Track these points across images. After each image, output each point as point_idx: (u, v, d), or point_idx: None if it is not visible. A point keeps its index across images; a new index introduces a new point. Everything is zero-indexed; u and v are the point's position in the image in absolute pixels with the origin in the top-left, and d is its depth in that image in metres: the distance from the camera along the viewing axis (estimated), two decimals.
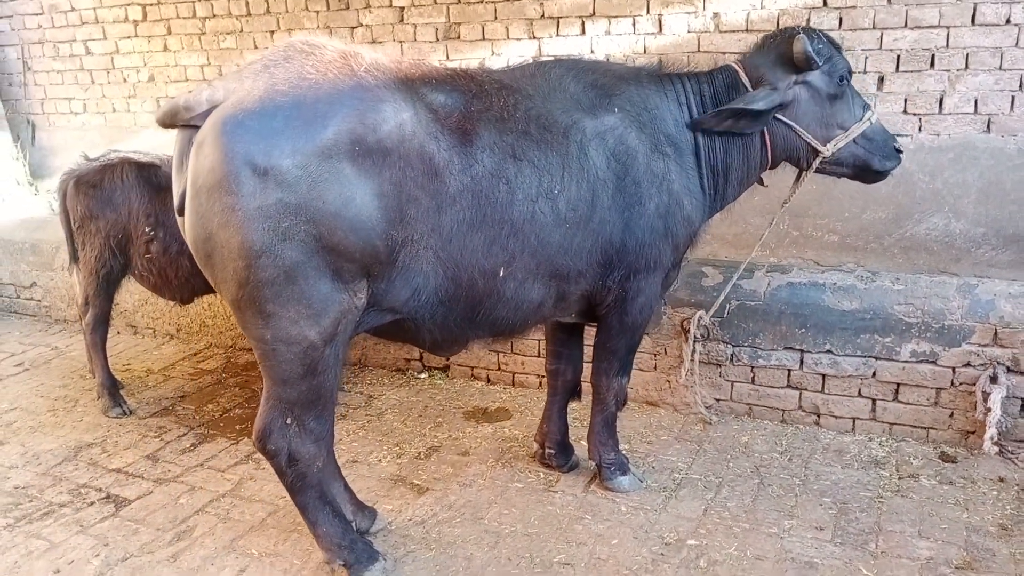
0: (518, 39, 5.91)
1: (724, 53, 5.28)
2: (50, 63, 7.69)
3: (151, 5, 6.99)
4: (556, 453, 4.31)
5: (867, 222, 5.15)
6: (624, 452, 4.33)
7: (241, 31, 6.81)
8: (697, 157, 3.80)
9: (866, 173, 3.98)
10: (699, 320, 4.59)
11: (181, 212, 3.07)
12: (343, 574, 3.52)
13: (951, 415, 4.38)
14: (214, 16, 6.83)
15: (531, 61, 4.01)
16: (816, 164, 3.87)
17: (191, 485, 4.36)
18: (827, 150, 3.80)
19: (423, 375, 5.66)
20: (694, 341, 4.66)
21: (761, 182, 4.13)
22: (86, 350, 5.45)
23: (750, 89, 3.74)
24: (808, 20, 5.05)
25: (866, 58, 4.95)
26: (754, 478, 4.22)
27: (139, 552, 3.82)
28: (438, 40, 6.18)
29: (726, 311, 4.69)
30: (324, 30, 6.50)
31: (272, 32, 6.70)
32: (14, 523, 4.08)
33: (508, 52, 5.94)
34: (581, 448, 4.41)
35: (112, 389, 5.27)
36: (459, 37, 6.10)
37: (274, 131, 2.86)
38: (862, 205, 5.15)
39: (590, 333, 4.18)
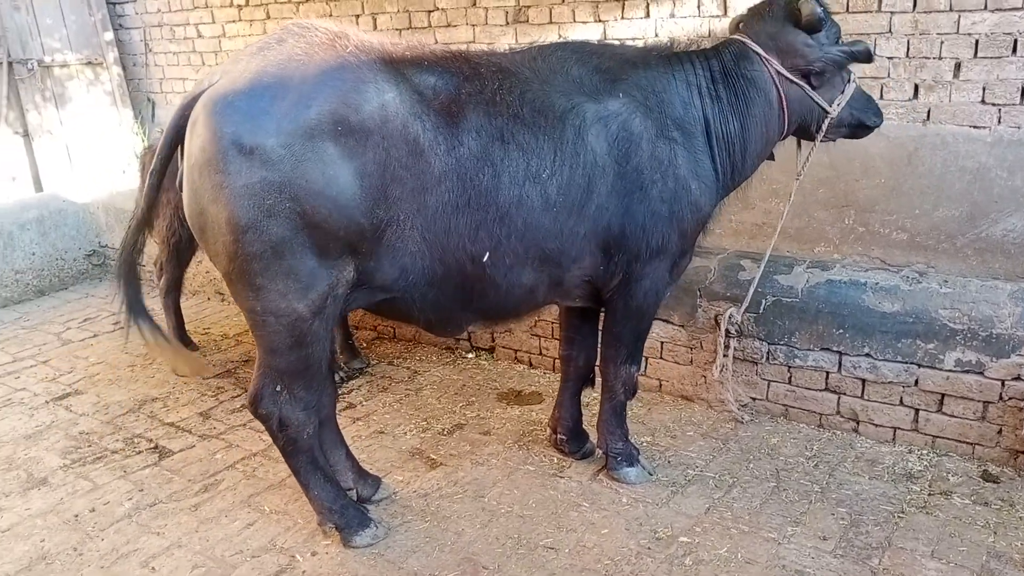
0: (584, 22, 5.86)
1: None
2: (167, 45, 8.27)
3: None
4: (568, 439, 4.30)
5: (939, 220, 4.81)
6: (641, 443, 4.27)
7: (330, 15, 7.09)
8: (708, 137, 3.71)
9: (861, 130, 4.07)
10: (730, 318, 4.45)
11: (181, 187, 3.26)
12: (335, 536, 3.67)
13: (999, 432, 4.05)
14: (307, 1, 7.14)
15: (539, 43, 3.97)
16: (825, 127, 3.85)
17: (229, 443, 4.64)
18: (833, 111, 3.80)
19: (470, 355, 5.76)
20: (726, 336, 4.52)
21: (772, 156, 4.09)
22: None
23: (765, 57, 3.69)
24: (880, 1, 4.75)
25: (941, 43, 4.61)
26: (771, 481, 4.06)
27: (167, 499, 4.12)
28: (508, 23, 6.21)
29: (762, 307, 4.51)
30: (403, 14, 6.67)
31: (357, 16, 6.94)
32: (69, 464, 4.49)
33: (574, 35, 5.90)
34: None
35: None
36: (528, 20, 6.11)
37: (260, 111, 2.98)
38: (934, 201, 4.81)
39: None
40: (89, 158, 8.35)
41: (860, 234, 5.16)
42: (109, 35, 8.66)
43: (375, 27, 6.85)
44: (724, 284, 4.64)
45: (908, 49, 4.75)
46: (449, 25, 6.48)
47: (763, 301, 4.49)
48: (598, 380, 4.22)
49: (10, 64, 7.95)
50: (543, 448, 4.45)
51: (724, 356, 4.56)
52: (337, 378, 5.40)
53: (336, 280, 3.24)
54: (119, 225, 8.02)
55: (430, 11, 6.54)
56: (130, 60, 8.71)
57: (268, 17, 7.43)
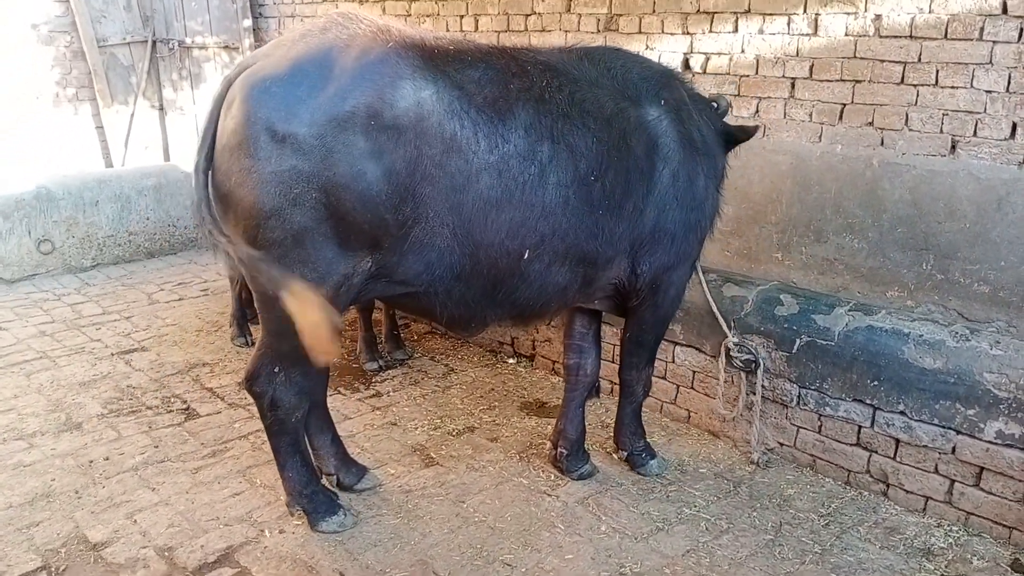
0: (672, 33, 5.66)
1: (882, 61, 4.67)
2: None
3: None
4: (568, 455, 4.16)
5: None
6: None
7: (438, 14, 7.22)
8: (715, 161, 3.79)
9: None
10: (727, 350, 4.21)
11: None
12: (303, 519, 3.70)
13: None
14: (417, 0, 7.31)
15: (579, 45, 3.88)
16: None
17: (252, 413, 4.77)
18: None
19: (511, 360, 5.68)
20: (726, 366, 4.33)
21: None
22: None
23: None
24: (982, 28, 4.30)
25: None
26: (769, 533, 3.74)
27: (175, 459, 4.31)
28: (599, 31, 6.09)
29: (795, 347, 4.17)
30: (502, 16, 6.69)
31: (461, 17, 7.03)
32: (106, 414, 4.78)
33: (661, 47, 5.72)
34: (598, 459, 4.20)
35: (241, 320, 5.91)
36: (618, 29, 5.97)
37: (296, 99, 2.98)
38: (1022, 254, 4.30)
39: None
40: None
41: (938, 282, 4.69)
42: (248, 22, 9.20)
43: (476, 28, 6.90)
44: (759, 318, 4.32)
45: (1009, 83, 4.28)
46: (544, 30, 6.45)
47: (797, 341, 4.16)
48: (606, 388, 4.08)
49: (154, 43, 8.61)
50: (544, 463, 4.31)
51: (750, 394, 4.27)
52: (377, 367, 5.48)
53: (352, 271, 3.23)
54: None
55: (527, 15, 6.53)
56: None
57: (384, 12, 7.65)
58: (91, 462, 4.25)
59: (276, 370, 3.45)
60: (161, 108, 8.82)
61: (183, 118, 8.90)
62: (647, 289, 3.81)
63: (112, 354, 5.67)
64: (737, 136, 4.09)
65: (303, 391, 3.52)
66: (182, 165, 8.36)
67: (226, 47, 9.11)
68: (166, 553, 3.52)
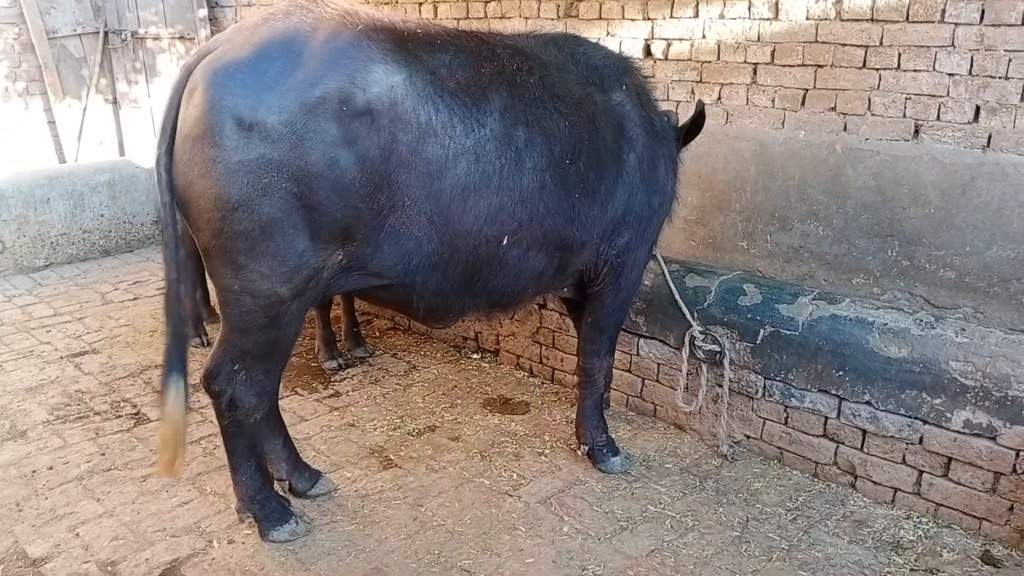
0: (632, 19, 5.55)
1: (844, 45, 4.58)
2: None
3: None
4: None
5: (992, 260, 4.26)
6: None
7: (396, 2, 7.04)
8: (672, 145, 3.98)
9: None
10: (691, 339, 4.13)
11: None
12: (255, 526, 3.56)
13: (1010, 508, 3.48)
14: None
15: (540, 31, 3.81)
16: None
17: (205, 417, 4.62)
18: None
19: (475, 355, 5.55)
20: (691, 357, 4.22)
21: None
22: None
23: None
24: (944, 10, 4.22)
25: (1009, 61, 4.06)
26: (735, 530, 3.65)
27: (122, 467, 4.14)
28: (559, 17, 5.97)
29: (759, 337, 4.08)
30: (461, 3, 6.54)
31: (420, 4, 6.85)
32: (52, 421, 4.60)
33: (622, 33, 5.61)
34: (562, 456, 4.08)
35: (196, 320, 5.72)
36: (578, 15, 5.86)
37: (263, 86, 2.84)
38: (988, 239, 4.26)
39: None
40: None
41: (904, 268, 4.64)
42: (204, 11, 8.97)
43: (436, 15, 6.74)
44: (722, 308, 4.22)
45: (971, 66, 4.22)
46: (504, 16, 6.32)
47: (761, 331, 4.06)
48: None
49: (106, 34, 8.35)
50: (506, 462, 4.20)
51: (717, 386, 4.17)
52: (336, 365, 5.33)
53: (323, 264, 3.10)
54: None
55: (487, 1, 6.39)
56: None
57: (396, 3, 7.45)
58: (34, 472, 4.07)
59: (236, 368, 3.28)
60: (115, 102, 8.57)
61: (138, 112, 8.66)
62: (609, 273, 3.84)
63: (61, 357, 5.48)
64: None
65: (264, 391, 3.38)
66: (137, 160, 8.14)
67: (181, 38, 8.87)
68: (109, 568, 3.37)
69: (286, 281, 3.04)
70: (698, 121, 4.02)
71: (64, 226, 7.50)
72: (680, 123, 4.15)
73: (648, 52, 5.48)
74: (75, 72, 8.20)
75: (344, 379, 5.20)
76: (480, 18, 6.48)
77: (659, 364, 4.55)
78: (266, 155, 2.84)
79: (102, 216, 7.78)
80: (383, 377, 5.23)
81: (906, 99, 4.41)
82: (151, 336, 5.87)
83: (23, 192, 7.19)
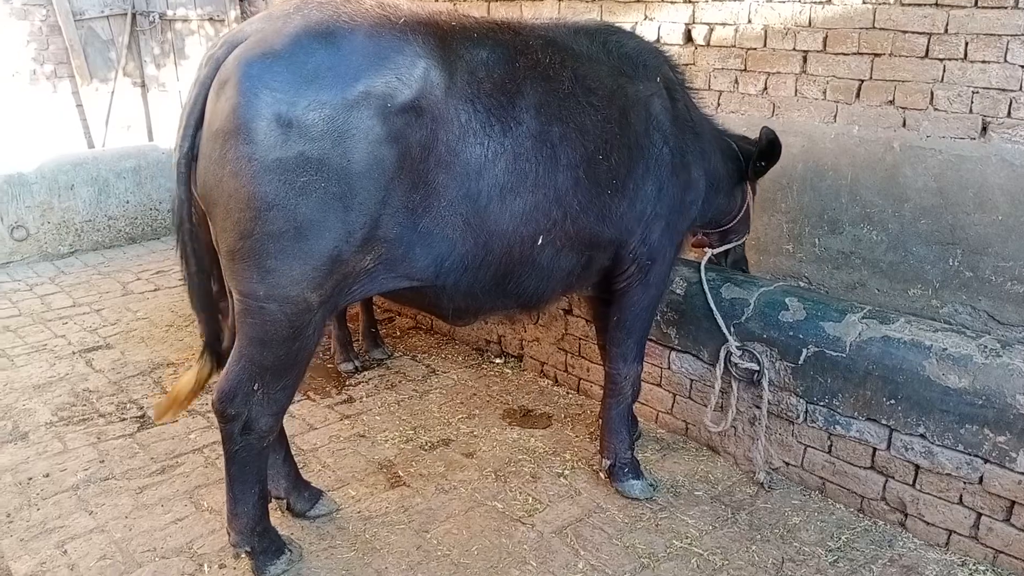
0: (672, 2, 5.16)
1: (904, 32, 4.16)
2: None
3: None
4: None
5: None
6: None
7: None
8: (703, 141, 3.81)
9: None
10: (728, 355, 3.80)
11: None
12: (246, 561, 3.31)
13: None
14: None
15: (567, 19, 3.55)
16: None
17: (209, 422, 4.42)
18: None
19: (498, 360, 5.25)
20: (725, 375, 3.85)
21: None
22: None
23: None
24: None
25: None
26: (768, 573, 3.31)
27: (120, 476, 3.96)
28: (593, 0, 5.59)
29: (801, 357, 3.71)
30: None
31: None
32: (55, 423, 4.43)
33: (661, 16, 5.22)
34: (583, 479, 3.77)
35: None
36: None
37: (303, 79, 2.62)
38: None
39: None
40: None
41: (966, 279, 4.24)
42: None
43: None
44: (761, 323, 3.86)
45: None
46: None
47: (804, 351, 3.69)
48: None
49: (134, 16, 8.19)
50: (522, 483, 3.91)
51: (754, 407, 3.82)
52: (352, 368, 5.08)
53: (353, 268, 2.88)
54: None
55: None
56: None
57: None
58: (30, 479, 3.91)
59: (255, 387, 3.00)
60: (143, 85, 8.42)
61: (166, 95, 8.50)
62: (637, 270, 3.68)
63: (74, 352, 5.33)
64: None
65: (281, 411, 3.14)
66: (164, 145, 7.97)
67: (211, 19, 8.68)
68: None
69: (317, 287, 2.82)
70: (769, 150, 3.97)
71: (89, 213, 7.38)
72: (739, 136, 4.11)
73: (689, 38, 5.10)
74: (103, 55, 8.06)
75: (359, 383, 4.95)
76: (512, 1, 6.13)
77: (692, 380, 4.20)
78: (305, 153, 2.62)
79: (127, 203, 7.64)
80: (400, 382, 4.97)
81: (973, 93, 3.98)
82: (166, 331, 5.70)
83: (47, 178, 7.07)
